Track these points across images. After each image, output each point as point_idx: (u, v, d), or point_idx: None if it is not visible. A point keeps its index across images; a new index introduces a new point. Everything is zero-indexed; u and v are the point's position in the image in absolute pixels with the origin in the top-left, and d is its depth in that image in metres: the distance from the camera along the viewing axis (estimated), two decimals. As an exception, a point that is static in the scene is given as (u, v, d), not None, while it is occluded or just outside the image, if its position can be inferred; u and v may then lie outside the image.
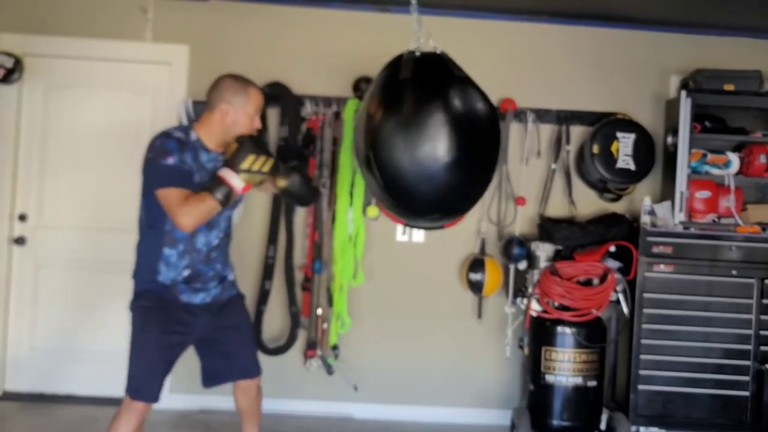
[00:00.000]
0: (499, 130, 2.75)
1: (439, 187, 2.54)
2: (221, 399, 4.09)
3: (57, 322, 4.16)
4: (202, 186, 2.64)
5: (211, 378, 2.97)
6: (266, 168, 2.69)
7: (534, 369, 3.70)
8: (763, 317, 3.72)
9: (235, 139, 2.72)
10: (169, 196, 2.57)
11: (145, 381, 2.69)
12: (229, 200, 2.63)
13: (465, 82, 2.68)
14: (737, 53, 4.15)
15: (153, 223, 2.70)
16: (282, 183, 2.88)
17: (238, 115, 2.72)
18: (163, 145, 2.62)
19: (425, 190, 2.54)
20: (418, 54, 2.65)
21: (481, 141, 2.62)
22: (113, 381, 4.15)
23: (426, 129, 2.47)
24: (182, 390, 4.08)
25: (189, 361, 4.33)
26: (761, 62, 4.01)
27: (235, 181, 2.62)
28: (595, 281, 3.67)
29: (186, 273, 2.74)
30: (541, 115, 4.13)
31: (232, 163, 2.64)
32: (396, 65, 2.65)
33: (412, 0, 2.73)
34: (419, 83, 2.57)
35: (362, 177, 2.83)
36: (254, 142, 2.72)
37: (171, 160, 2.59)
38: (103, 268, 4.15)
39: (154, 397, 2.70)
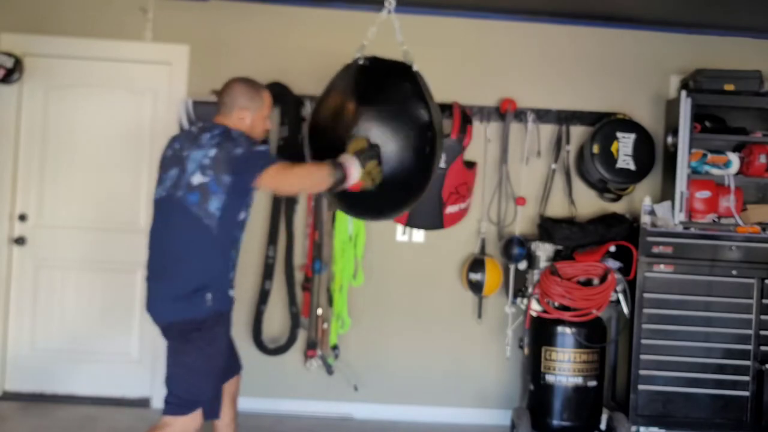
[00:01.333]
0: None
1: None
2: (221, 399, 4.09)
3: (57, 322, 4.16)
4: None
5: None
6: (377, 178, 2.80)
7: (534, 369, 3.70)
8: (763, 317, 3.72)
9: (363, 138, 2.84)
10: (275, 170, 2.59)
11: (215, 402, 2.75)
12: (337, 185, 2.69)
13: None
14: (737, 53, 4.15)
15: (228, 226, 2.65)
16: (367, 184, 2.89)
17: (256, 118, 2.77)
18: (246, 138, 2.66)
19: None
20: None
21: None
22: (113, 381, 4.17)
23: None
24: (182, 390, 4.08)
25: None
26: (761, 62, 4.01)
27: (355, 173, 2.70)
28: (595, 281, 3.67)
29: (232, 274, 2.78)
30: (542, 115, 4.13)
31: (360, 156, 2.73)
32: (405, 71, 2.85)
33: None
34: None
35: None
36: (378, 150, 2.84)
37: (261, 146, 2.66)
38: (104, 267, 4.16)
39: (220, 413, 2.81)
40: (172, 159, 2.69)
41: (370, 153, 2.80)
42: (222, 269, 2.69)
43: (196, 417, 2.64)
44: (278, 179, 2.62)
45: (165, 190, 2.66)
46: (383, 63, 2.90)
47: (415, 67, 2.90)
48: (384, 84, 2.87)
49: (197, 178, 2.57)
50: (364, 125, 2.73)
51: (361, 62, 2.82)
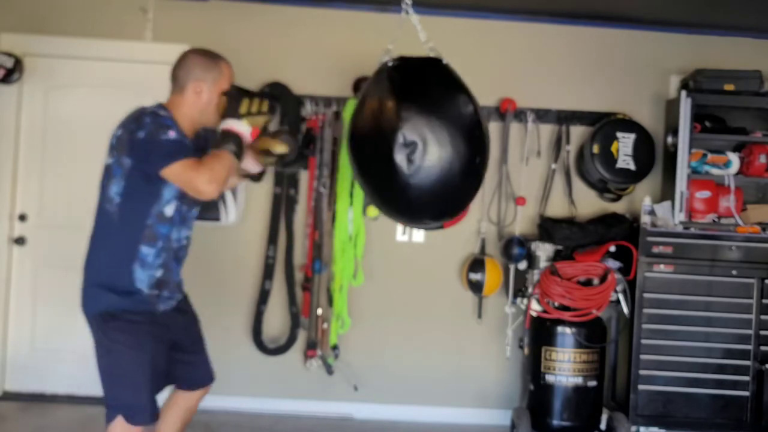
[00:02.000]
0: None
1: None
2: (221, 399, 4.09)
3: (57, 322, 4.15)
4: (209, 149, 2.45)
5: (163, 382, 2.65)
6: (264, 108, 2.52)
7: (534, 369, 3.70)
8: (763, 317, 3.72)
9: (221, 93, 2.52)
10: (181, 168, 2.31)
11: (142, 404, 2.45)
12: (242, 151, 2.45)
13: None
14: (737, 53, 4.15)
15: (133, 215, 2.39)
16: (280, 149, 2.68)
17: (213, 93, 2.50)
18: (158, 120, 2.37)
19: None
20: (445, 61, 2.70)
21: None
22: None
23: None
24: (182, 390, 4.09)
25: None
26: (761, 62, 4.01)
27: (241, 126, 2.45)
28: (595, 281, 3.67)
29: (159, 273, 2.46)
30: (541, 115, 4.13)
31: (229, 113, 2.47)
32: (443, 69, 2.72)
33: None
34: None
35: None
36: (243, 88, 2.56)
37: (172, 135, 2.35)
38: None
39: (153, 418, 2.48)
40: None
41: (234, 101, 2.51)
42: (127, 263, 2.40)
43: (121, 425, 2.42)
44: (188, 176, 2.31)
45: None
46: (413, 60, 2.77)
47: (445, 60, 2.84)
48: (419, 78, 2.72)
49: (107, 159, 2.42)
50: (408, 123, 2.52)
51: (390, 64, 2.68)
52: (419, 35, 2.78)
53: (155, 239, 2.43)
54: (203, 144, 2.59)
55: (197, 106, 2.50)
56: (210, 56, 2.55)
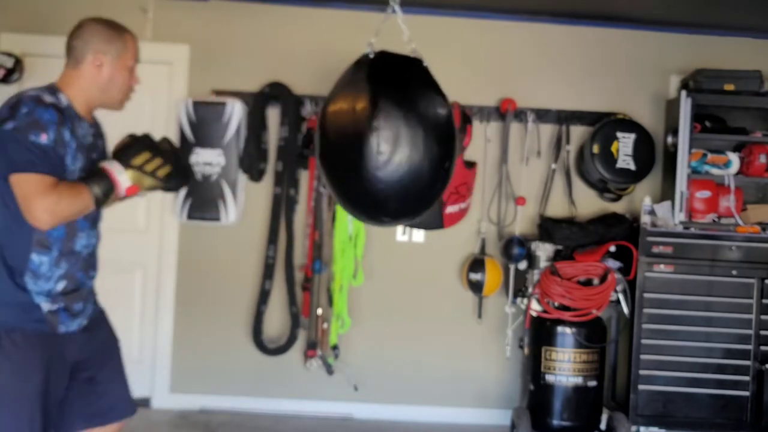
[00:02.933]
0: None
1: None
2: (221, 399, 4.10)
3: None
4: (80, 176, 2.08)
5: (69, 424, 2.20)
6: (162, 173, 2.17)
7: (534, 369, 3.70)
8: (763, 317, 3.72)
9: (128, 135, 2.20)
10: (26, 181, 1.92)
11: None
12: (107, 200, 2.07)
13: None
14: (737, 53, 4.15)
15: (16, 217, 1.97)
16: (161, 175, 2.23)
17: (116, 68, 2.16)
18: (34, 114, 1.98)
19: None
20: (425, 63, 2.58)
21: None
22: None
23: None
24: (182, 390, 4.09)
25: (189, 361, 4.33)
26: (761, 62, 4.01)
27: (122, 177, 2.07)
28: (596, 281, 3.67)
29: (61, 286, 2.08)
30: (541, 115, 4.13)
31: (121, 155, 2.11)
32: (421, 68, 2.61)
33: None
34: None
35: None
36: (152, 141, 2.21)
37: (44, 138, 1.95)
38: (103, 267, 4.11)
39: None
40: None
41: (136, 147, 2.15)
42: (18, 275, 2.03)
43: None
44: (29, 192, 1.92)
45: None
46: (393, 56, 2.76)
47: (425, 63, 2.83)
48: (397, 74, 2.70)
49: None
50: (383, 113, 2.47)
51: (371, 56, 2.65)
52: (403, 34, 2.76)
53: (48, 246, 2.05)
54: (98, 139, 2.27)
55: (97, 81, 2.15)
56: (115, 27, 2.23)
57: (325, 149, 2.55)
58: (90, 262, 2.21)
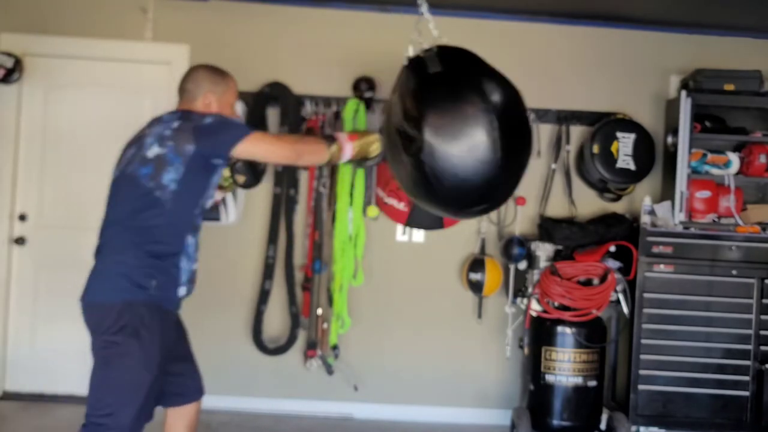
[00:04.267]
0: (526, 112, 2.71)
1: (488, 176, 2.42)
2: (221, 399, 4.10)
3: (57, 322, 4.15)
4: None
5: (156, 401, 2.49)
6: (376, 150, 2.71)
7: (534, 369, 3.70)
8: (763, 317, 3.72)
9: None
10: (264, 136, 2.52)
11: (137, 428, 2.33)
12: (331, 159, 2.63)
13: (488, 68, 2.62)
14: (737, 53, 4.15)
15: (184, 204, 2.39)
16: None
17: (222, 105, 2.61)
18: (214, 113, 2.53)
19: (476, 180, 2.41)
20: (435, 50, 2.47)
21: (517, 125, 2.59)
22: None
23: (468, 119, 2.34)
24: (182, 390, 4.08)
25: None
26: (761, 62, 4.01)
27: (348, 145, 2.63)
28: (595, 281, 3.67)
29: (195, 267, 2.50)
30: (541, 115, 4.13)
31: (354, 131, 2.68)
32: (417, 66, 2.47)
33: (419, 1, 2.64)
34: (452, 75, 2.45)
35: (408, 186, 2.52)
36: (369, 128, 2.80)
37: (237, 118, 2.55)
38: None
39: None
40: (133, 140, 2.52)
41: (369, 130, 2.74)
42: (174, 255, 2.38)
43: None
44: (264, 144, 2.47)
45: (119, 169, 2.47)
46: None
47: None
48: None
49: (153, 151, 2.38)
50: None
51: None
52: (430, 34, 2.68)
53: (197, 230, 2.50)
54: None
55: None
56: (219, 72, 2.67)
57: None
58: None
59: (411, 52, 2.49)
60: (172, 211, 2.38)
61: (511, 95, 2.52)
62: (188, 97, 2.60)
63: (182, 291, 2.45)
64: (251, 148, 2.43)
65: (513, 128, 2.48)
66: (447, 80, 2.41)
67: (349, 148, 2.65)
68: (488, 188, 2.47)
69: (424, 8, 2.62)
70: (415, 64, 2.48)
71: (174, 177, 2.36)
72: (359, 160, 2.77)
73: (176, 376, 2.56)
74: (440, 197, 2.46)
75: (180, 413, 2.63)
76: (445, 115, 2.33)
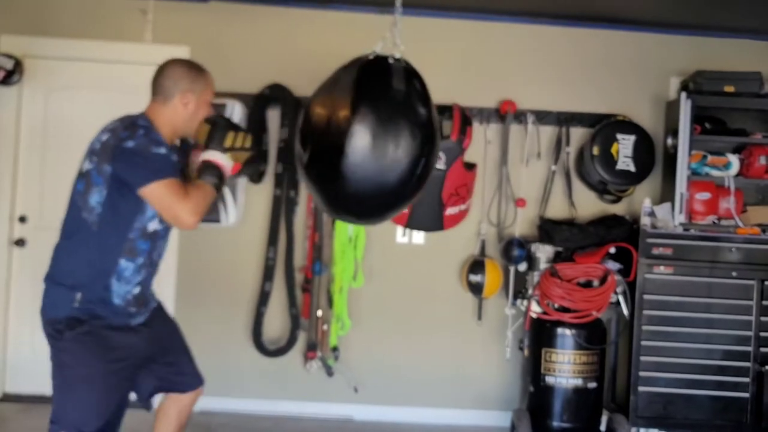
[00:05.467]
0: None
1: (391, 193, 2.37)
2: (221, 401, 4.10)
3: (57, 323, 4.15)
4: (190, 177, 2.42)
5: (148, 391, 2.60)
6: (248, 143, 2.48)
7: (534, 370, 3.70)
8: (763, 319, 3.72)
9: (204, 120, 2.50)
10: (164, 190, 2.23)
11: (89, 424, 2.32)
12: (223, 184, 2.44)
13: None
14: (737, 55, 4.15)
15: (113, 227, 2.30)
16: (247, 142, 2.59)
17: (200, 103, 2.48)
18: (150, 135, 2.31)
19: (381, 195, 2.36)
20: (403, 64, 2.46)
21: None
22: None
23: (408, 139, 2.32)
24: (182, 391, 4.08)
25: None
26: (761, 64, 4.01)
27: (225, 161, 2.41)
28: (595, 283, 3.67)
29: (137, 291, 2.39)
30: (542, 117, 4.13)
31: (213, 144, 2.42)
32: (382, 71, 2.47)
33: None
34: (413, 96, 2.43)
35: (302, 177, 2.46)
36: (227, 120, 2.54)
37: (163, 150, 2.29)
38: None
39: None
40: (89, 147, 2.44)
41: (220, 132, 2.47)
42: (104, 276, 2.32)
43: None
44: (168, 200, 2.24)
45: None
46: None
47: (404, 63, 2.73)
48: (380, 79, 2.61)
49: (85, 165, 2.33)
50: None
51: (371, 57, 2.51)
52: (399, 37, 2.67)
53: (135, 254, 2.35)
54: (180, 155, 2.55)
55: (183, 115, 2.46)
56: (196, 68, 2.54)
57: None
58: (157, 269, 2.52)
59: (378, 50, 2.48)
60: (99, 235, 2.31)
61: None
62: (163, 94, 2.44)
63: (124, 312, 2.37)
64: (152, 198, 2.26)
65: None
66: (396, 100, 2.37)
67: (228, 163, 2.46)
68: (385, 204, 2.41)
69: (397, 10, 2.62)
70: (377, 68, 2.45)
71: (98, 199, 2.29)
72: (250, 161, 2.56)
73: (173, 366, 2.63)
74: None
75: (175, 399, 2.68)
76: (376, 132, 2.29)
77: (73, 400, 2.32)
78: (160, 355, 2.58)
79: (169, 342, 2.66)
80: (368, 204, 2.37)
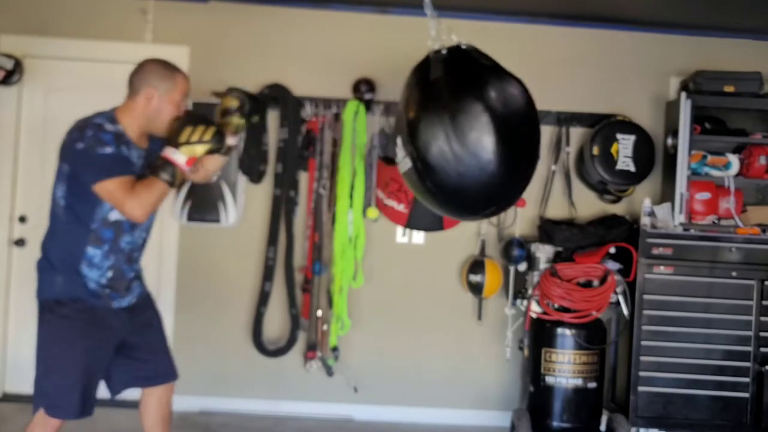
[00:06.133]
0: (536, 112, 2.64)
1: (489, 180, 2.39)
2: (221, 401, 4.11)
3: (57, 323, 4.15)
4: (146, 171, 2.51)
5: (121, 384, 2.72)
6: (207, 137, 2.50)
7: (534, 370, 3.70)
8: (763, 319, 3.72)
9: (172, 119, 2.56)
10: (112, 187, 2.38)
11: (65, 398, 2.49)
12: (176, 179, 2.49)
13: (496, 70, 2.59)
14: (737, 55, 4.15)
15: (77, 218, 2.48)
16: (231, 103, 2.73)
17: (163, 101, 2.53)
18: (98, 135, 2.41)
19: (477, 185, 2.40)
20: (444, 52, 2.51)
21: (522, 126, 2.52)
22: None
23: (468, 121, 2.35)
24: (182, 391, 4.06)
25: (189, 362, 4.32)
26: (761, 64, 4.01)
27: (177, 156, 2.47)
28: (595, 283, 3.67)
29: (109, 274, 2.54)
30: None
31: (170, 139, 2.50)
32: (424, 68, 2.53)
33: (426, 1, 2.65)
34: (452, 79, 2.46)
35: (413, 188, 2.57)
36: (193, 115, 2.59)
37: (109, 149, 2.40)
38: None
39: (74, 413, 2.51)
40: None
41: (178, 127, 2.51)
42: (76, 263, 2.48)
43: (41, 417, 2.51)
44: (118, 197, 2.39)
45: None
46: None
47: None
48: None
49: (58, 163, 2.55)
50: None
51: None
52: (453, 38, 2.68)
53: (101, 242, 2.51)
54: (154, 155, 2.59)
55: (145, 112, 2.53)
56: (167, 66, 2.61)
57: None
58: (133, 257, 2.64)
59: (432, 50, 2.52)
60: (66, 224, 2.51)
61: (516, 100, 2.53)
62: (131, 90, 2.54)
63: (102, 294, 2.53)
64: (103, 195, 2.42)
65: (516, 133, 2.45)
66: (447, 85, 2.42)
67: (180, 158, 2.49)
68: (488, 193, 2.46)
69: (428, 8, 2.64)
70: (422, 67, 2.53)
71: (61, 194, 2.50)
72: (215, 151, 2.59)
73: (146, 362, 2.72)
74: (441, 202, 2.50)
75: (152, 392, 2.77)
76: (442, 121, 2.35)
77: (53, 378, 2.49)
78: (137, 348, 2.69)
79: (149, 335, 2.75)
80: None
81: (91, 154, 2.40)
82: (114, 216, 2.50)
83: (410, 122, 2.43)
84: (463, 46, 2.56)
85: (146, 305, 2.77)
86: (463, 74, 2.47)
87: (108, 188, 2.39)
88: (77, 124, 2.49)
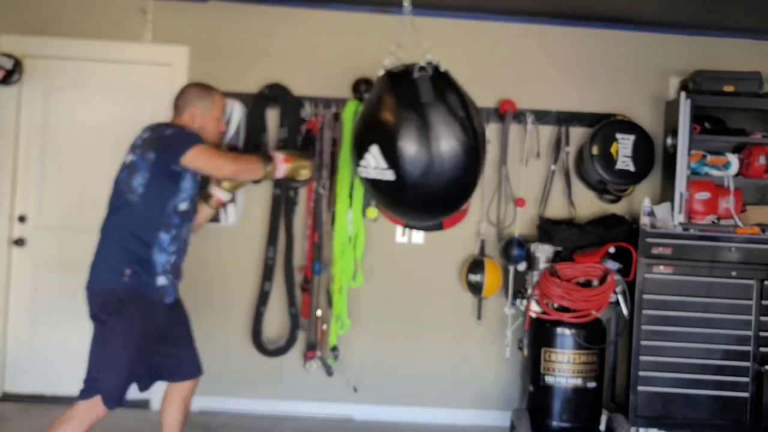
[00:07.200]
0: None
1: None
2: (221, 400, 4.11)
3: (57, 322, 4.16)
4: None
5: (150, 378, 2.92)
6: (305, 162, 3.03)
7: (533, 370, 3.70)
8: (762, 318, 3.72)
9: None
10: (208, 148, 2.73)
11: (121, 392, 2.70)
12: (265, 178, 2.95)
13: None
14: (737, 55, 4.15)
15: (154, 205, 2.74)
16: (305, 174, 3.12)
17: (206, 118, 2.92)
18: (183, 127, 2.83)
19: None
20: (428, 72, 2.79)
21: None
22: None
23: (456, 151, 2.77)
24: (182, 391, 4.08)
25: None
26: (761, 64, 4.01)
27: (282, 166, 2.94)
28: (595, 282, 3.67)
29: (173, 259, 2.81)
30: (541, 117, 4.13)
31: (287, 150, 2.96)
32: (405, 84, 2.80)
33: (405, 3, 2.79)
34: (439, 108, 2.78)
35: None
36: (305, 152, 3.09)
37: (194, 132, 2.80)
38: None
39: (122, 404, 2.72)
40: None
41: (298, 151, 3.03)
42: (147, 248, 2.73)
43: (93, 406, 2.66)
44: (204, 158, 2.71)
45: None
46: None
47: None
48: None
49: (129, 158, 2.78)
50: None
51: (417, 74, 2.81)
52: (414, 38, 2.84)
53: (170, 227, 2.78)
54: None
55: (192, 128, 2.88)
56: (206, 88, 3.00)
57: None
58: (185, 249, 2.93)
59: (389, 63, 2.88)
60: (142, 211, 2.73)
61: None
62: (178, 111, 2.94)
63: (161, 280, 2.77)
64: (195, 159, 2.70)
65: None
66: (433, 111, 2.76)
67: (282, 169, 2.98)
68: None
69: (407, 7, 2.88)
70: (404, 84, 2.81)
71: (141, 181, 2.72)
72: (288, 179, 3.16)
73: (173, 357, 2.93)
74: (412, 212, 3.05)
75: (178, 387, 2.97)
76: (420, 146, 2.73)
77: (114, 370, 2.67)
78: (169, 343, 2.89)
79: (181, 331, 2.98)
80: None
81: (181, 133, 2.77)
82: (183, 206, 2.81)
83: (401, 143, 2.74)
84: (441, 69, 2.87)
85: (179, 303, 2.99)
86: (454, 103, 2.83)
87: (203, 150, 2.70)
88: (161, 124, 2.85)
